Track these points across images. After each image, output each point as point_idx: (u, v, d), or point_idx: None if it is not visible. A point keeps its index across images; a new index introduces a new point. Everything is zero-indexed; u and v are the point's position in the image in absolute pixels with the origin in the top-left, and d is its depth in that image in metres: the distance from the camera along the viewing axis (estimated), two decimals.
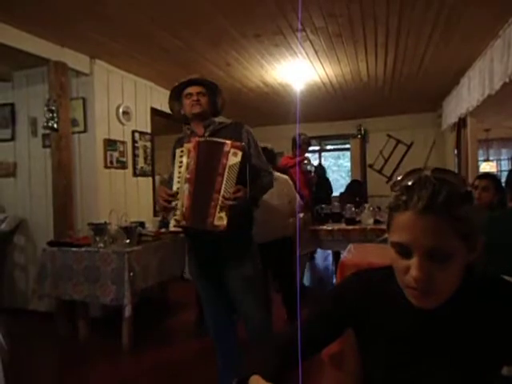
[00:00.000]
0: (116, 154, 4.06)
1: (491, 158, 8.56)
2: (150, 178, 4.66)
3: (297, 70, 4.32)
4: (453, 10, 2.92)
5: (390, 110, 6.59)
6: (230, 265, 2.04)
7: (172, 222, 1.96)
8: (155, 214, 4.64)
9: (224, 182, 1.88)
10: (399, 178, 0.82)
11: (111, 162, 3.99)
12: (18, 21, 2.99)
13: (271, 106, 5.86)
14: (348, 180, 7.65)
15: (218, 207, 1.87)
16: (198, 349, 3.13)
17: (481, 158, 7.87)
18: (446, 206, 0.71)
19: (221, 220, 1.86)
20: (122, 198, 4.15)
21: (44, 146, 3.94)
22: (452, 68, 4.34)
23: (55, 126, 3.50)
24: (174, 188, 1.97)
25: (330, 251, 6.22)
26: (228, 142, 1.91)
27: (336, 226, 4.16)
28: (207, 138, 2.02)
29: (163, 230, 3.82)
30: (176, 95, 2.18)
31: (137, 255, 3.17)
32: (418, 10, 2.93)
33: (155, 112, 4.75)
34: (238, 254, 2.04)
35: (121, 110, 4.13)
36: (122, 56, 3.77)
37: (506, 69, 3.09)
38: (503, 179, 3.29)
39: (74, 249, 3.22)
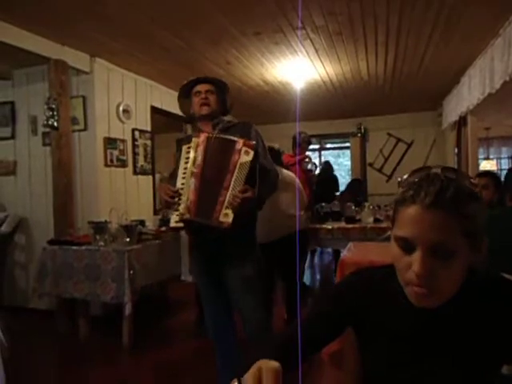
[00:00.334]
0: (116, 153, 4.06)
1: (491, 157, 8.57)
2: (150, 177, 4.66)
3: (297, 69, 4.32)
4: (453, 9, 2.92)
5: (390, 109, 6.58)
6: (230, 263, 2.03)
7: (174, 218, 1.93)
8: (155, 212, 4.65)
9: (233, 179, 1.86)
10: (407, 176, 0.82)
11: (111, 161, 4.00)
12: (18, 19, 2.99)
13: (271, 104, 5.85)
14: (348, 179, 7.65)
15: (225, 204, 1.85)
16: (197, 349, 3.14)
17: (481, 157, 7.88)
18: (454, 202, 0.71)
19: (226, 217, 1.84)
20: (123, 197, 4.15)
21: (44, 145, 3.94)
22: (452, 67, 4.34)
23: (55, 124, 3.50)
24: (179, 184, 1.95)
25: (329, 250, 6.24)
26: (240, 140, 1.90)
27: (336, 225, 4.16)
28: (219, 135, 1.99)
29: (163, 228, 3.82)
30: (185, 93, 2.18)
31: (137, 253, 3.17)
32: (418, 9, 2.92)
33: (155, 110, 4.75)
34: (239, 253, 2.03)
35: (121, 109, 4.13)
36: (122, 55, 3.77)
37: (506, 67, 3.08)
38: (503, 177, 3.29)
39: (74, 247, 3.23)
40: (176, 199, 1.92)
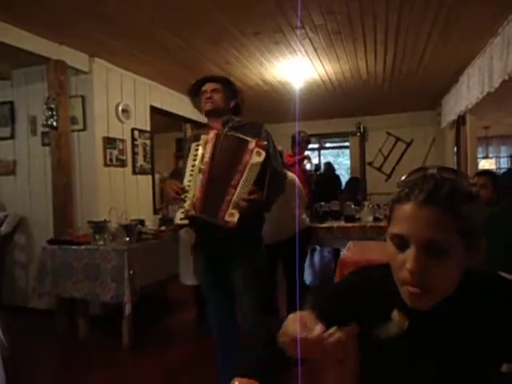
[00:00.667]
0: (115, 152, 4.06)
1: (490, 156, 8.57)
2: (150, 176, 4.66)
3: (296, 68, 4.32)
4: (452, 8, 2.92)
5: (389, 108, 6.59)
6: (236, 263, 2.02)
7: (179, 215, 1.91)
8: (155, 211, 4.65)
9: (243, 179, 1.83)
10: (404, 177, 0.82)
11: (111, 160, 3.99)
12: (18, 20, 2.98)
13: (271, 103, 5.85)
14: (347, 178, 7.65)
15: (232, 203, 1.82)
16: (197, 348, 3.14)
17: (480, 156, 7.89)
18: (448, 200, 0.71)
19: (232, 216, 1.81)
20: (122, 196, 4.15)
21: (43, 144, 3.94)
22: (451, 66, 4.34)
23: (54, 124, 3.50)
24: (186, 181, 1.93)
25: (329, 248, 6.24)
26: (253, 140, 1.88)
27: (335, 224, 4.17)
28: (230, 133, 1.97)
29: (163, 227, 3.82)
30: (194, 92, 2.19)
31: (136, 253, 3.17)
32: (417, 8, 2.92)
33: (155, 110, 4.75)
34: (245, 254, 2.01)
35: (120, 108, 4.13)
36: (121, 54, 3.77)
37: (505, 66, 3.09)
38: None
39: (73, 247, 3.23)
40: (182, 196, 1.89)
